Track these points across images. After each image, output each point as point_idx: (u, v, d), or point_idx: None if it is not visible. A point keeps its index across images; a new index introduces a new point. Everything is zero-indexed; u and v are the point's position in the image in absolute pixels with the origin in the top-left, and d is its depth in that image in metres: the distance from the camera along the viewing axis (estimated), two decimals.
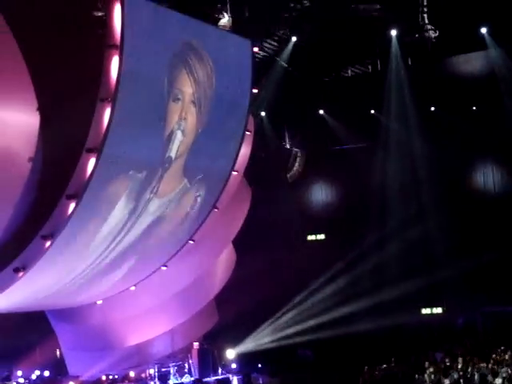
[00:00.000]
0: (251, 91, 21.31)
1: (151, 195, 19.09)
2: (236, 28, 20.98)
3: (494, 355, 21.12)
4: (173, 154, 19.06)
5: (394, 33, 25.86)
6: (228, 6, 20.86)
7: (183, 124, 18.93)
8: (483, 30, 25.40)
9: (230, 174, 21.70)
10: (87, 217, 17.48)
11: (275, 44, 26.28)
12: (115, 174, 17.55)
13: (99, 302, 22.26)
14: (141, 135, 17.77)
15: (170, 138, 18.78)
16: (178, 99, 18.62)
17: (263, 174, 28.17)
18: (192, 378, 23.38)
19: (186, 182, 20.16)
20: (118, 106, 16.35)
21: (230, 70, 20.29)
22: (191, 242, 22.11)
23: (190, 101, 18.99)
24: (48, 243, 16.75)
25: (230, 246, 24.97)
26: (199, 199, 21.01)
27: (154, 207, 19.51)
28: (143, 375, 23.61)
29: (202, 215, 21.68)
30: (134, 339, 23.39)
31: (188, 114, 18.98)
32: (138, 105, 17.30)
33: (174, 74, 18.39)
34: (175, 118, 18.65)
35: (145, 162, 18.38)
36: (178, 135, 18.93)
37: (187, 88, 18.84)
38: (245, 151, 22.56)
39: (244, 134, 21.60)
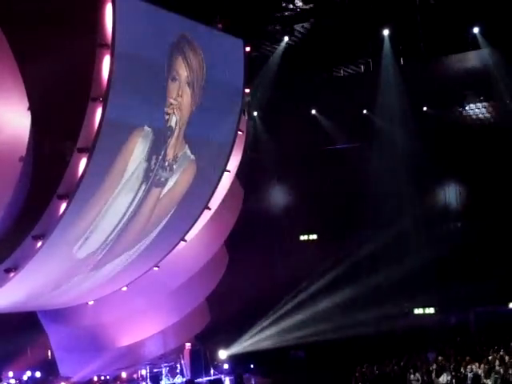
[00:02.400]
0: (244, 90, 21.30)
1: (159, 157, 19.18)
2: (228, 28, 21.00)
3: (486, 355, 21.12)
4: (173, 124, 19.20)
5: (386, 32, 25.86)
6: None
7: (179, 101, 19.22)
8: (475, 30, 25.39)
9: (228, 158, 21.71)
10: (83, 211, 17.44)
11: (268, 44, 26.23)
12: (127, 134, 17.70)
13: (91, 303, 22.19)
14: (142, 105, 17.94)
15: (169, 112, 19.04)
16: (175, 79, 18.96)
17: (255, 174, 28.11)
18: (184, 379, 23.37)
19: (188, 151, 20.27)
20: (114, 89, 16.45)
21: (222, 67, 20.34)
22: (183, 242, 22.10)
23: (185, 82, 19.31)
24: (39, 243, 16.71)
25: (222, 247, 24.92)
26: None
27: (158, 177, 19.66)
28: (135, 376, 23.61)
29: (194, 212, 21.65)
30: (125, 340, 23.31)
31: (184, 93, 19.33)
32: (138, 89, 17.47)
33: (171, 61, 18.69)
34: (173, 96, 19.00)
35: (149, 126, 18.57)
36: (176, 111, 19.23)
37: (183, 71, 19.13)
38: (237, 152, 22.51)
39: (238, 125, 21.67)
